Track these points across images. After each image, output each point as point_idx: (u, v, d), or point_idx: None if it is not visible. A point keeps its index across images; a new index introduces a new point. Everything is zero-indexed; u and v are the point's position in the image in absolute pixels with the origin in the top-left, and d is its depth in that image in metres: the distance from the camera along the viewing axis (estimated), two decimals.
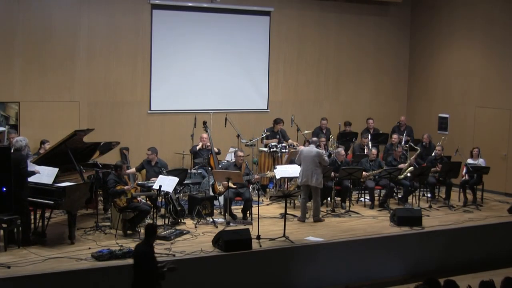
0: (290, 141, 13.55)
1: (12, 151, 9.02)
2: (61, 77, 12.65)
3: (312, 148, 11.20)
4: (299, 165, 11.22)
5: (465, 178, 12.90)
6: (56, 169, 9.62)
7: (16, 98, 12.27)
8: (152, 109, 13.61)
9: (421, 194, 13.04)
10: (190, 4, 13.74)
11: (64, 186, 9.40)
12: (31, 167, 9.48)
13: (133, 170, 11.67)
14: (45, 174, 9.50)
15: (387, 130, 15.06)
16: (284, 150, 13.02)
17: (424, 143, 14.08)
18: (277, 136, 13.37)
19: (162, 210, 10.89)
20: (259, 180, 11.47)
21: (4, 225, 8.92)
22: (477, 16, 14.70)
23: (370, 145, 13.83)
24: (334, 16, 15.38)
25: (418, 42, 16.20)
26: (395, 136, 13.99)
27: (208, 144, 12.53)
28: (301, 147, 11.99)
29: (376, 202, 12.50)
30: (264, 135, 13.46)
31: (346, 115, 15.23)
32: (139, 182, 11.07)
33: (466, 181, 12.87)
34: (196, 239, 9.92)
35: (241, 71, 14.45)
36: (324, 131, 14.17)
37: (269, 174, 12.05)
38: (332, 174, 11.87)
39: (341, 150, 12.53)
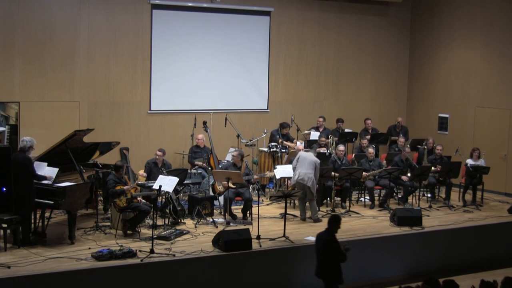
0: (295, 140, 13.53)
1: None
2: (61, 77, 12.65)
3: (311, 154, 11.23)
4: (294, 167, 11.22)
5: (466, 181, 12.86)
6: (56, 169, 9.65)
7: (16, 98, 12.27)
8: (152, 109, 13.60)
9: (421, 194, 13.04)
10: (190, 4, 13.74)
11: (64, 186, 9.40)
12: (40, 169, 9.48)
13: (142, 176, 11.51)
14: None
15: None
16: (284, 150, 13.02)
17: (425, 145, 14.05)
18: (283, 138, 13.40)
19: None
20: (259, 180, 11.47)
21: (4, 225, 8.92)
22: (477, 16, 14.70)
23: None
24: (334, 16, 15.38)
25: (418, 42, 16.19)
26: (401, 139, 13.84)
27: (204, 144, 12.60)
28: (301, 147, 11.99)
29: (376, 202, 12.51)
30: (264, 135, 13.50)
31: (346, 115, 15.21)
32: (139, 182, 11.06)
33: (469, 183, 12.84)
34: (196, 239, 9.92)
35: (241, 71, 14.44)
36: (321, 130, 14.15)
37: (268, 174, 12.05)
38: (332, 173, 11.88)
39: (341, 146, 12.58)
